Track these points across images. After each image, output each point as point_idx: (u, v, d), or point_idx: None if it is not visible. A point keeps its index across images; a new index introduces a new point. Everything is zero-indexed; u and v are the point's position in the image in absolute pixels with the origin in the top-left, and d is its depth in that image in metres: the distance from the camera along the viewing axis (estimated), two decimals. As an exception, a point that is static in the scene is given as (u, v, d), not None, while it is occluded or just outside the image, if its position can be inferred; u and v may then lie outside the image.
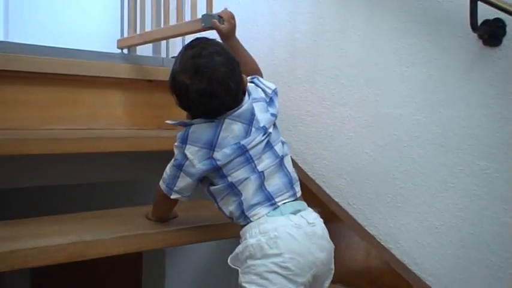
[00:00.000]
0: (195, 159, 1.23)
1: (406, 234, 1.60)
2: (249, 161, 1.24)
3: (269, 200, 1.24)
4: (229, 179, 1.24)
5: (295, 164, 1.56)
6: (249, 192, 1.23)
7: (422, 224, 1.56)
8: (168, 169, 1.31)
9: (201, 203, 1.55)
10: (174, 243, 1.41)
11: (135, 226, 1.40)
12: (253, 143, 1.24)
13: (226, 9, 1.47)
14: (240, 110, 1.25)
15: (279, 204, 1.24)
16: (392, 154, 1.62)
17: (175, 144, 1.27)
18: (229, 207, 1.26)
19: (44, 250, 1.15)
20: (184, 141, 1.24)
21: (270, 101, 1.34)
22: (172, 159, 1.29)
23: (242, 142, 1.23)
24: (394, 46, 1.61)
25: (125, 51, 2.07)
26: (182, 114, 1.32)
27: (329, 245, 1.26)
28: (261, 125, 1.27)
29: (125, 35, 2.10)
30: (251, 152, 1.24)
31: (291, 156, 1.34)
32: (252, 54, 1.47)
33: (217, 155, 1.22)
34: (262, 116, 1.28)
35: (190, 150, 1.23)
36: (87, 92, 1.87)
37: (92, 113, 1.89)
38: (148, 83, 2.00)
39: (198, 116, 1.25)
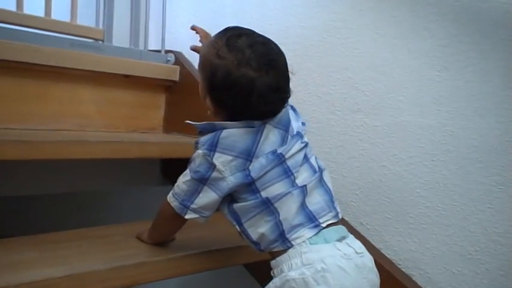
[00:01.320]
0: (227, 170, 1.00)
1: (431, 259, 1.41)
2: (288, 173, 1.02)
3: (312, 220, 1.01)
4: (264, 194, 1.01)
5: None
6: (291, 210, 1.01)
7: (451, 248, 1.38)
8: (182, 183, 1.06)
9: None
10: (179, 273, 1.16)
11: (131, 251, 1.14)
12: (292, 152, 1.04)
13: (194, 26, 1.26)
14: (280, 114, 1.05)
15: (323, 225, 1.02)
16: (417, 169, 1.43)
17: (198, 151, 1.02)
18: (260, 229, 1.02)
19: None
20: (212, 147, 1.01)
21: (293, 109, 1.15)
22: (190, 171, 1.04)
23: (279, 150, 1.02)
24: (423, 47, 1.42)
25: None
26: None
27: (377, 279, 1.05)
28: (295, 132, 1.08)
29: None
30: (289, 163, 1.03)
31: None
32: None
33: (253, 165, 1.01)
34: (295, 124, 1.09)
35: (221, 160, 1.00)
36: (54, 86, 1.58)
37: (59, 111, 1.60)
38: (124, 79, 1.74)
39: (239, 117, 1.01)
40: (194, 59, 1.86)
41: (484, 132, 1.33)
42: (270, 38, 1.05)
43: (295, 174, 1.03)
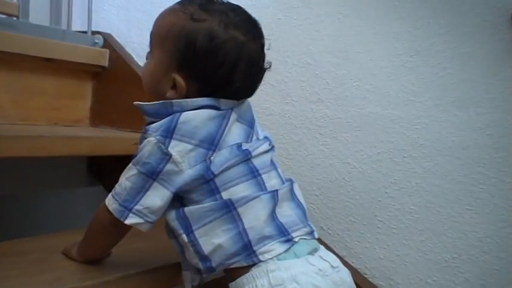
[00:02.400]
0: (184, 162, 0.82)
1: (403, 268, 1.26)
2: (254, 173, 0.86)
3: (283, 233, 0.84)
4: (225, 195, 0.84)
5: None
6: (259, 217, 0.83)
7: (426, 255, 1.23)
8: (125, 179, 0.85)
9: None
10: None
11: (57, 273, 0.91)
12: (259, 150, 0.89)
13: None
14: (243, 106, 0.92)
15: (295, 240, 0.85)
16: (386, 167, 1.27)
17: (150, 139, 0.83)
18: (216, 239, 0.83)
19: None
20: (168, 134, 0.82)
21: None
22: (137, 164, 0.85)
23: (245, 146, 0.87)
24: (393, 29, 1.26)
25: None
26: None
27: None
28: (261, 136, 0.94)
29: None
30: (255, 163, 0.87)
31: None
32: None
33: (216, 156, 0.84)
34: (261, 128, 0.96)
35: (178, 149, 0.82)
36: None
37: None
38: (44, 63, 1.48)
39: (211, 95, 0.85)
40: (125, 42, 1.63)
41: (463, 125, 1.19)
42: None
43: (262, 176, 0.87)
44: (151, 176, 0.83)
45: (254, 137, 0.91)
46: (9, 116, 1.43)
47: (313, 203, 1.36)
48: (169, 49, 0.86)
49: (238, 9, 0.89)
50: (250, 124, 0.91)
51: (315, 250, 0.86)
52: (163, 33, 0.87)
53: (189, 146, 0.82)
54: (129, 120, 1.55)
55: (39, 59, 1.46)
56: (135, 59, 1.62)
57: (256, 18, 1.46)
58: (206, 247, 0.84)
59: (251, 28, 0.88)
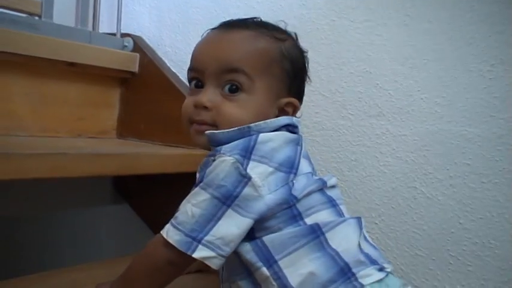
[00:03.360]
0: (264, 186, 0.73)
1: (479, 312, 1.07)
2: (332, 202, 0.81)
3: (374, 262, 0.77)
4: (308, 221, 0.76)
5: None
6: (352, 241, 0.77)
7: (509, 299, 1.05)
8: (192, 205, 0.73)
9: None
10: None
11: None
12: (330, 183, 0.84)
13: None
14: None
15: (388, 270, 0.78)
16: (460, 193, 1.09)
17: (225, 158, 0.74)
18: (305, 268, 0.73)
19: None
20: (247, 153, 0.74)
21: None
22: (208, 186, 0.74)
23: (317, 176, 0.83)
24: (470, 34, 1.09)
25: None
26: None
27: None
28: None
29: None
30: (329, 193, 0.82)
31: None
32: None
33: (298, 181, 0.78)
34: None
35: (259, 171, 0.74)
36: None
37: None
38: (67, 68, 1.33)
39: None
40: (157, 45, 1.48)
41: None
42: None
43: (340, 207, 0.82)
44: (226, 201, 0.72)
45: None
46: (28, 127, 1.28)
47: (372, 232, 1.18)
48: (276, 74, 0.82)
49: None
50: (309, 159, 0.86)
51: (405, 286, 0.79)
52: (264, 60, 0.81)
53: (270, 169, 0.74)
54: (161, 132, 1.40)
55: (62, 64, 1.31)
56: (168, 64, 1.47)
57: (307, 20, 1.30)
58: (294, 278, 0.73)
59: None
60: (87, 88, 1.40)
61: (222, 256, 0.72)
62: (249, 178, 0.72)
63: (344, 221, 0.77)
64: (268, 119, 0.80)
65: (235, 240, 0.73)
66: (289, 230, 0.74)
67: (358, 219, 0.81)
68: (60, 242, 1.55)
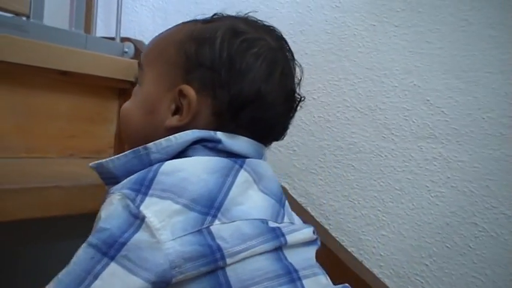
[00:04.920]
0: (166, 228, 0.51)
1: None
2: (291, 274, 0.54)
3: None
4: None
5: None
6: None
7: None
8: (73, 262, 0.52)
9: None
10: None
11: None
12: (297, 237, 0.58)
13: None
14: (263, 167, 0.62)
15: None
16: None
17: (112, 196, 0.53)
18: None
19: None
20: (141, 187, 0.53)
21: None
22: (92, 234, 0.52)
23: (273, 225, 0.57)
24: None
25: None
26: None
27: None
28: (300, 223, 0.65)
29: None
30: (291, 258, 0.56)
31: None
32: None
33: (223, 228, 0.53)
34: (296, 216, 0.67)
35: (156, 208, 0.52)
36: None
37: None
38: (59, 77, 1.14)
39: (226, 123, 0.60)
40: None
41: None
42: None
43: (303, 282, 0.55)
44: (108, 251, 0.50)
45: (286, 217, 0.61)
46: (12, 147, 1.09)
47: (422, 275, 1.00)
48: (170, 58, 0.63)
49: (262, 26, 0.66)
50: (278, 199, 0.61)
51: None
52: (159, 47, 0.66)
53: (175, 206, 0.52)
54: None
55: (52, 72, 1.12)
56: (174, 73, 1.28)
57: (342, 24, 1.13)
58: None
59: (282, 39, 0.65)
60: (81, 100, 1.21)
61: None
62: (142, 218, 0.51)
63: None
64: (156, 119, 0.62)
65: None
66: None
67: None
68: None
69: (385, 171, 1.05)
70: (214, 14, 0.66)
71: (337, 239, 1.08)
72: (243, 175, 0.57)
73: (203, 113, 0.60)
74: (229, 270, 0.51)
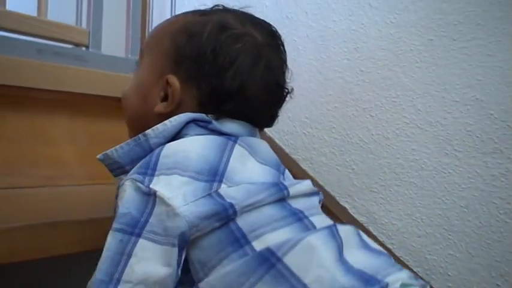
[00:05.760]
0: (177, 196, 0.54)
1: None
2: (298, 215, 0.58)
3: (369, 282, 0.53)
4: (257, 244, 0.54)
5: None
6: (324, 263, 0.53)
7: None
8: (105, 249, 0.55)
9: None
10: None
11: None
12: (298, 189, 0.62)
13: None
14: (257, 142, 0.65)
15: (393, 285, 0.53)
16: None
17: (125, 183, 0.57)
18: None
19: None
20: (148, 170, 0.57)
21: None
22: (115, 221, 0.56)
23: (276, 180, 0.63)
24: None
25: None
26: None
27: None
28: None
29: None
30: (295, 205, 0.60)
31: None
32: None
33: (230, 190, 0.56)
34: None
35: (164, 183, 0.55)
36: (9, 117, 1.00)
37: (16, 157, 1.01)
38: (118, 103, 1.14)
39: (213, 107, 0.63)
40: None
41: None
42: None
43: (311, 219, 0.59)
44: (133, 230, 0.54)
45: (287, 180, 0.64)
46: (75, 175, 1.11)
47: (492, 295, 0.97)
48: (164, 47, 0.67)
49: (246, 15, 0.68)
50: (277, 167, 0.65)
51: None
52: (157, 35, 0.69)
53: (182, 178, 0.55)
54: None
55: (111, 100, 1.14)
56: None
57: (398, 40, 1.11)
58: None
59: (271, 32, 0.67)
60: (140, 126, 1.22)
61: None
62: (154, 194, 0.54)
63: (307, 235, 0.54)
64: (148, 103, 0.66)
65: (165, 282, 0.53)
66: (233, 265, 0.53)
67: (331, 227, 0.58)
68: None
69: (449, 188, 1.02)
70: (214, 6, 0.69)
71: (401, 258, 1.06)
72: (238, 149, 0.61)
73: (188, 102, 0.63)
74: (238, 220, 0.55)
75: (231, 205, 0.54)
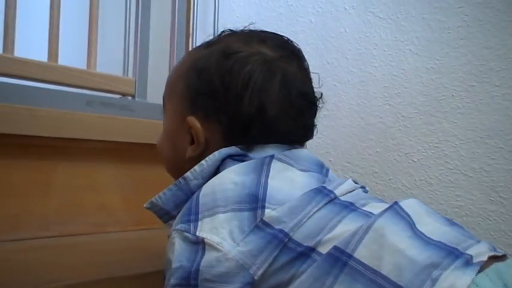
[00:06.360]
0: (226, 238, 0.54)
1: None
2: (349, 207, 0.56)
3: (452, 253, 0.49)
4: (323, 248, 0.52)
5: None
6: (398, 244, 0.50)
7: None
8: None
9: None
10: None
11: None
12: (344, 189, 0.60)
13: None
14: (297, 152, 0.64)
15: (480, 259, 0.49)
16: None
17: (172, 235, 0.57)
18: None
19: None
20: (191, 216, 0.56)
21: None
22: (169, 278, 0.55)
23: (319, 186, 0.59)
24: None
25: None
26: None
27: None
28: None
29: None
30: (344, 199, 0.58)
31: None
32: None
33: (275, 213, 0.55)
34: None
35: (210, 226, 0.55)
36: (60, 168, 1.04)
37: (66, 206, 1.05)
38: (161, 151, 1.18)
39: (240, 138, 0.62)
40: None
41: None
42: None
43: (363, 208, 0.56)
44: (189, 283, 0.53)
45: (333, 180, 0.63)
46: (121, 221, 1.14)
47: None
48: (179, 91, 0.67)
49: (257, 32, 0.68)
50: (319, 171, 0.63)
51: None
52: (172, 80, 0.70)
53: (224, 215, 0.55)
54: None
55: (155, 147, 1.16)
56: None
57: (439, 86, 1.11)
58: None
59: (281, 45, 0.65)
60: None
61: None
62: (202, 241, 0.54)
63: (372, 223, 0.52)
64: (179, 149, 0.67)
65: None
66: (304, 276, 0.51)
67: (393, 206, 0.55)
68: None
69: (496, 236, 1.01)
70: (221, 32, 0.69)
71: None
72: (276, 164, 0.60)
73: (214, 138, 0.63)
74: (295, 236, 0.53)
75: (281, 231, 0.53)
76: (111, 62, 1.31)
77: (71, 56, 1.23)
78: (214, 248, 0.53)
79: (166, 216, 0.65)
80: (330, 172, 0.66)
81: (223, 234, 0.54)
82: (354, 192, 0.61)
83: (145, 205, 0.67)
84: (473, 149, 1.04)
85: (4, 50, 1.06)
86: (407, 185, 1.11)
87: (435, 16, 1.10)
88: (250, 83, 0.61)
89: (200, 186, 0.60)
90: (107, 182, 1.12)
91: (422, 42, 1.11)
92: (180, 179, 0.62)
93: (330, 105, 1.22)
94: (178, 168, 0.65)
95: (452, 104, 1.07)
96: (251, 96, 0.61)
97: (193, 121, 0.64)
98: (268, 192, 0.56)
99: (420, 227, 0.52)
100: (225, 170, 0.60)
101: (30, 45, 1.17)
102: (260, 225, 0.54)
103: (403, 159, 1.12)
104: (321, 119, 1.22)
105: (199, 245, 0.54)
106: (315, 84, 0.67)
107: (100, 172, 1.11)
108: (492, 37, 1.03)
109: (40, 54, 1.13)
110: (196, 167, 0.61)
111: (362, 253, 0.50)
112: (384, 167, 1.14)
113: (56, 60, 1.12)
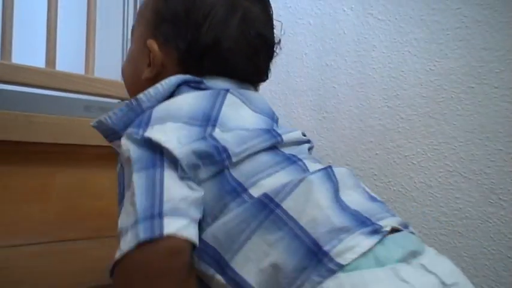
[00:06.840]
0: (172, 139, 0.56)
1: None
2: (292, 159, 0.60)
3: (364, 223, 0.54)
4: (255, 191, 0.56)
5: None
6: (320, 204, 0.54)
7: None
8: (126, 201, 0.57)
9: None
10: None
11: None
12: (291, 137, 0.64)
13: None
14: (250, 93, 0.67)
15: (386, 229, 0.54)
16: None
17: (123, 141, 0.58)
18: (265, 260, 0.53)
19: None
20: (141, 124, 0.58)
21: None
22: (133, 169, 0.56)
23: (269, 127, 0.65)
24: None
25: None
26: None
27: None
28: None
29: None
30: (287, 151, 0.62)
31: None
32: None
33: (224, 134, 0.59)
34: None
35: (158, 130, 0.57)
36: (59, 174, 1.05)
37: (66, 213, 1.05)
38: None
39: (194, 67, 0.65)
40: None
41: None
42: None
43: (305, 162, 0.61)
44: (155, 163, 0.55)
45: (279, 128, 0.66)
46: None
47: None
48: (146, 17, 0.70)
49: None
50: (270, 116, 0.67)
51: (414, 254, 0.53)
52: (141, 8, 0.72)
53: (175, 124, 0.58)
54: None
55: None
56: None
57: (438, 88, 1.10)
58: (255, 278, 0.53)
59: None
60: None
61: (195, 221, 0.55)
62: (149, 139, 0.56)
63: (303, 178, 0.55)
64: (138, 70, 0.69)
65: (198, 200, 0.56)
66: (233, 213, 0.55)
67: (327, 169, 0.58)
68: None
69: (495, 238, 1.00)
70: None
71: (447, 309, 1.04)
72: (230, 98, 0.63)
73: (170, 63, 0.66)
74: (233, 170, 0.56)
75: (225, 149, 0.56)
76: (109, 66, 1.31)
77: (69, 61, 1.22)
78: (160, 146, 0.55)
79: (113, 135, 0.65)
80: (280, 121, 0.70)
81: (170, 137, 0.56)
82: (299, 146, 0.65)
83: (91, 123, 0.67)
84: (472, 151, 1.04)
85: (2, 57, 1.05)
86: (407, 187, 1.11)
87: (433, 17, 1.10)
88: (210, 14, 0.64)
89: (152, 108, 0.61)
90: (106, 187, 1.12)
91: (421, 44, 1.11)
92: (132, 100, 0.63)
93: (329, 107, 1.21)
94: (136, 91, 0.66)
95: (452, 106, 1.07)
96: (209, 26, 0.64)
97: (152, 44, 0.67)
98: (220, 116, 0.60)
99: (343, 195, 0.56)
100: (182, 95, 0.62)
101: (28, 52, 1.17)
102: (207, 137, 0.57)
103: (402, 161, 1.12)
104: (320, 121, 1.22)
105: (145, 143, 0.56)
106: (277, 32, 0.70)
107: (99, 177, 1.11)
108: (491, 38, 1.03)
109: (37, 61, 1.13)
110: (150, 90, 0.63)
111: (289, 204, 0.53)
112: (383, 169, 1.14)
113: (54, 66, 1.12)
